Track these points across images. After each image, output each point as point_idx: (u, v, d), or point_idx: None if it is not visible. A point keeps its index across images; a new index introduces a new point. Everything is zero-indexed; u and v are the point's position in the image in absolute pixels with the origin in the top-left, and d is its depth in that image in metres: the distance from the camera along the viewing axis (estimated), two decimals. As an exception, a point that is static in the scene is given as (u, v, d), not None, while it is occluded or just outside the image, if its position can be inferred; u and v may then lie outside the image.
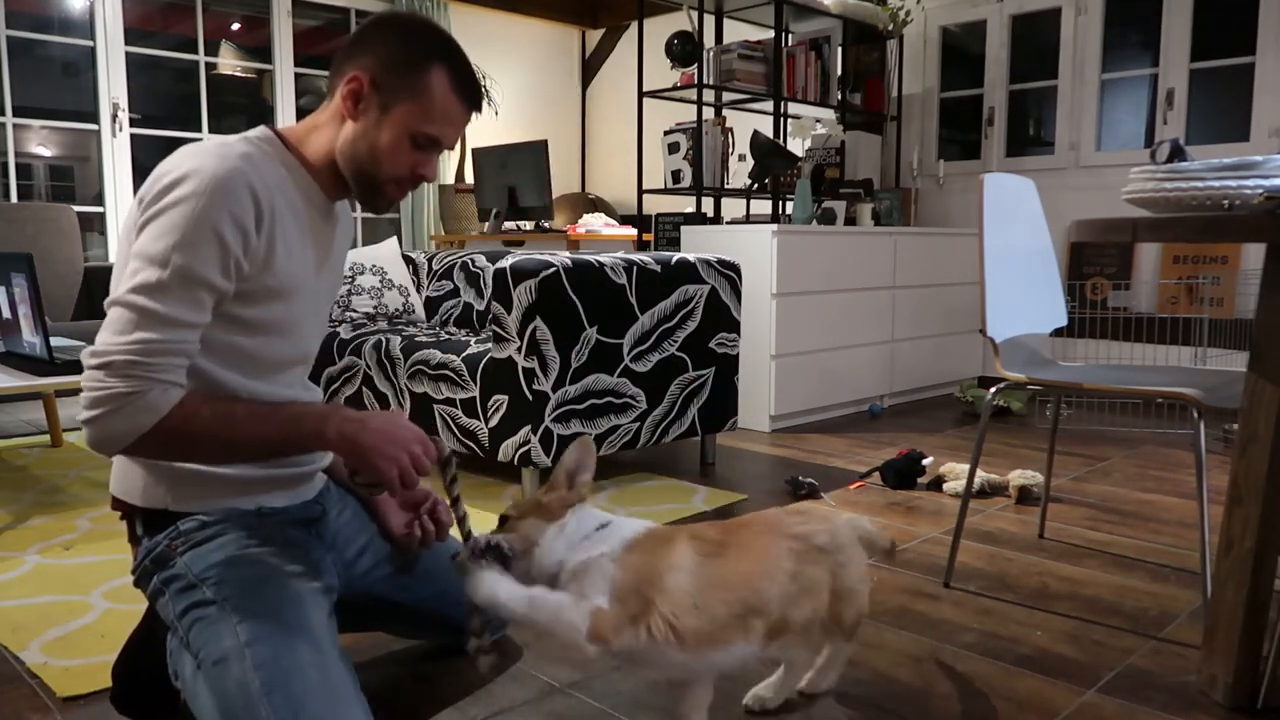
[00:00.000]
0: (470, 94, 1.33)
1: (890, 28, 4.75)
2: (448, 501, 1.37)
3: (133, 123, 4.85)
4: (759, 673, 1.49)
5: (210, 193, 1.16)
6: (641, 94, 4.27)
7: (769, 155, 3.96)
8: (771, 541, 1.32)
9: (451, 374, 2.73)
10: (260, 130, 1.32)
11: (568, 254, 2.65)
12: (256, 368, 1.30)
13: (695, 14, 4.25)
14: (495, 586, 1.18)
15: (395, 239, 3.94)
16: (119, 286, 1.16)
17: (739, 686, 1.49)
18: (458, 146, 5.69)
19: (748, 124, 4.73)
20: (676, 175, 4.38)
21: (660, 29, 4.99)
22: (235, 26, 5.37)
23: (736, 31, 4.68)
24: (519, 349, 2.53)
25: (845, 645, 1.48)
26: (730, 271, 2.98)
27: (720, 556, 1.27)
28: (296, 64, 5.37)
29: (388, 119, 1.28)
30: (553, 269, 2.52)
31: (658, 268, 2.77)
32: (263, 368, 1.31)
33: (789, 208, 4.10)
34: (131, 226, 1.20)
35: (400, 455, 1.21)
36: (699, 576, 1.23)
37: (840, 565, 1.36)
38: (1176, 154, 1.55)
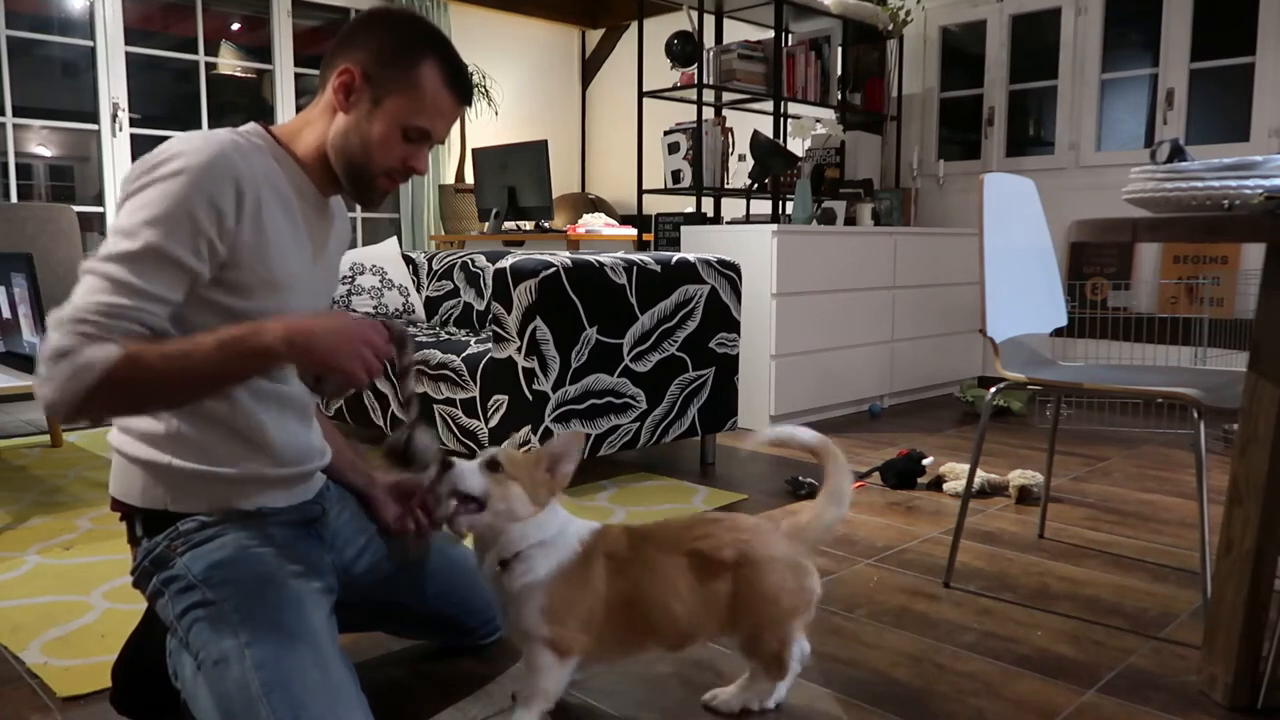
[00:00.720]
0: (461, 87, 1.33)
1: (890, 28, 4.75)
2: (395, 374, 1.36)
3: (133, 123, 4.85)
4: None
5: (188, 171, 1.16)
6: (641, 94, 4.27)
7: (769, 155, 3.96)
8: (669, 559, 1.36)
9: (451, 374, 2.73)
10: (250, 126, 1.32)
11: (568, 254, 2.65)
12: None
13: (695, 14, 4.25)
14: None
15: (395, 239, 3.94)
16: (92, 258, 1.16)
17: (727, 680, 1.49)
18: (458, 146, 5.70)
19: (748, 124, 4.73)
20: (676, 175, 4.38)
21: (660, 29, 4.99)
22: (235, 26, 5.37)
23: (736, 31, 4.67)
24: (519, 349, 2.53)
25: (766, 682, 1.42)
26: (730, 271, 2.98)
27: (624, 574, 1.35)
28: (296, 64, 5.37)
29: (379, 111, 1.29)
30: (553, 269, 2.52)
31: (658, 268, 2.77)
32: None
33: (789, 208, 4.09)
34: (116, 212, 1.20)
35: (362, 349, 1.18)
36: (607, 600, 1.34)
37: (747, 581, 1.34)
38: (1176, 154, 1.55)
